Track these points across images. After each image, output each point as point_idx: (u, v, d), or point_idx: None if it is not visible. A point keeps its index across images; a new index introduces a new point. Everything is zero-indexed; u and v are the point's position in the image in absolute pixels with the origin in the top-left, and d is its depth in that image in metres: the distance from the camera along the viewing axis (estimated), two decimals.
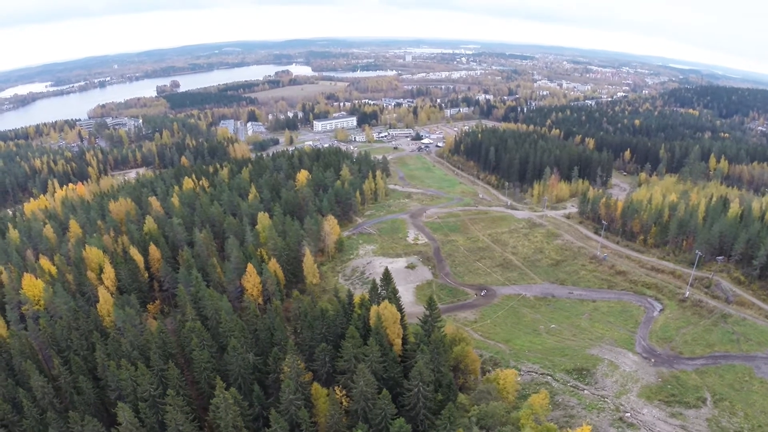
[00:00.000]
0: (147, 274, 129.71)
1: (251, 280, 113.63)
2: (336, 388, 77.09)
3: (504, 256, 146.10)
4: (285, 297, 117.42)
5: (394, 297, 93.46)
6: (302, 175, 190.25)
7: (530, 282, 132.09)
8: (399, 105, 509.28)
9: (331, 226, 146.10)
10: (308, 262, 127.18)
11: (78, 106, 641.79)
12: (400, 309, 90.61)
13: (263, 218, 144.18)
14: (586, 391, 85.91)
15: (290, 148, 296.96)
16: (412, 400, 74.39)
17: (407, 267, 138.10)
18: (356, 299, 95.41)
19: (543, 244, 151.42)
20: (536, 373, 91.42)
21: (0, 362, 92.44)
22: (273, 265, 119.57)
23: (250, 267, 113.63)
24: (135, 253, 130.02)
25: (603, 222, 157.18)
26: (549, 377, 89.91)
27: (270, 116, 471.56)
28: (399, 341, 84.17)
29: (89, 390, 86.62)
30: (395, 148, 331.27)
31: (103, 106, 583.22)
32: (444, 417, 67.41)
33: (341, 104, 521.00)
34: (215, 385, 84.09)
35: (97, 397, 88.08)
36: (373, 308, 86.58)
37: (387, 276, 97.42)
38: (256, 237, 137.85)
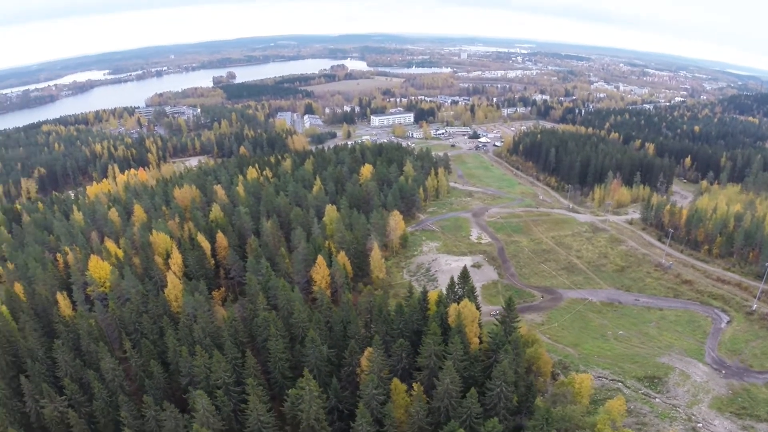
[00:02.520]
0: (213, 262, 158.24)
1: (320, 272, 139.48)
2: (414, 384, 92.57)
3: (568, 260, 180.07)
4: (351, 290, 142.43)
5: (472, 296, 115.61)
6: (366, 170, 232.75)
7: (596, 287, 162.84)
8: (455, 103, 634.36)
9: (396, 221, 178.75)
10: (376, 256, 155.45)
11: (135, 94, 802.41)
12: (478, 308, 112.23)
13: (331, 211, 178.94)
14: (657, 400, 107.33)
15: (349, 142, 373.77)
16: (493, 400, 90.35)
17: (473, 266, 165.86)
18: (432, 296, 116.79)
19: (607, 249, 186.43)
20: (606, 378, 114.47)
21: (67, 342, 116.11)
22: (342, 258, 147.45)
23: (320, 259, 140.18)
24: (202, 239, 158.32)
25: (667, 229, 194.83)
26: (620, 383, 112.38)
27: (327, 110, 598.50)
28: (476, 340, 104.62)
29: (160, 374, 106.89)
30: (453, 146, 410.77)
31: (161, 94, 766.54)
32: (539, 417, 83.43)
33: (397, 100, 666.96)
34: (288, 375, 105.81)
35: (166, 382, 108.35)
36: (453, 306, 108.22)
37: (465, 274, 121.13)
38: (323, 229, 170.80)
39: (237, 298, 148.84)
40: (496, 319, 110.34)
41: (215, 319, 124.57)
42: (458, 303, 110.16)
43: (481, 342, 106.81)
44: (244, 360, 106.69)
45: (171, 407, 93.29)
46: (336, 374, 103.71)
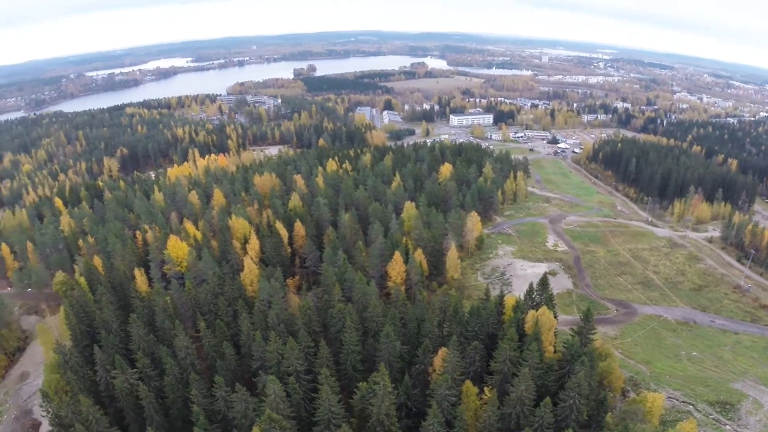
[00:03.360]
0: (290, 250, 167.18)
1: (396, 268, 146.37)
2: (486, 388, 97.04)
3: (645, 274, 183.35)
4: (426, 288, 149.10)
5: (550, 304, 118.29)
6: (446, 169, 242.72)
7: (671, 304, 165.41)
8: (535, 106, 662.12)
9: (473, 222, 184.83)
10: (452, 256, 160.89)
11: (217, 82, 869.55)
12: (555, 316, 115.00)
13: (410, 207, 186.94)
14: (728, 427, 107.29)
15: (427, 140, 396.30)
16: (565, 412, 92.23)
17: (548, 273, 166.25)
18: (509, 301, 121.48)
19: (685, 267, 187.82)
20: (677, 400, 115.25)
21: (142, 317, 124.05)
22: (419, 255, 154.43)
23: (397, 255, 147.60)
24: (280, 227, 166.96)
25: (748, 250, 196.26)
26: (691, 406, 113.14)
27: (406, 106, 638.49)
28: (551, 349, 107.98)
29: (231, 356, 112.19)
30: (531, 150, 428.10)
31: (242, 83, 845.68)
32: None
33: (477, 100, 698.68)
34: (359, 368, 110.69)
35: (236, 364, 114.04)
36: (531, 313, 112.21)
37: (544, 282, 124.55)
38: (400, 225, 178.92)
39: (311, 287, 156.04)
40: (572, 329, 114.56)
41: (289, 306, 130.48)
42: (536, 310, 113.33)
43: (554, 351, 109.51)
44: (317, 349, 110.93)
45: (242, 389, 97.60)
46: (407, 371, 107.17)
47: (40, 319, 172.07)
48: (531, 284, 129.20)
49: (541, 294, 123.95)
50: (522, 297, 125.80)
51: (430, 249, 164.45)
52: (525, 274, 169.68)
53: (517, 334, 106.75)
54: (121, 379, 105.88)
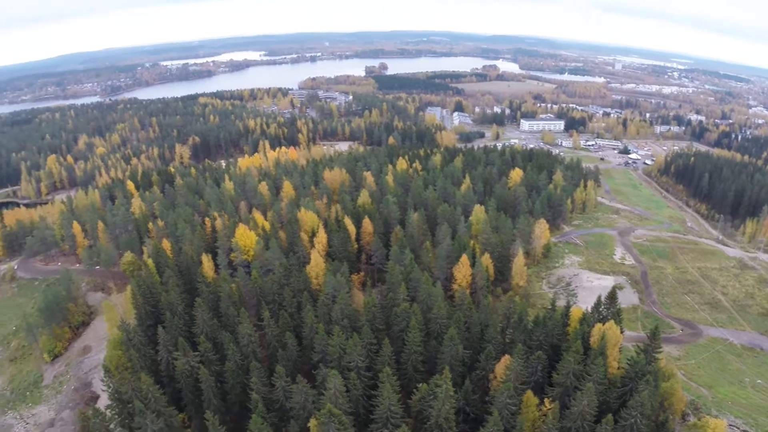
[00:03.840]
0: (356, 246, 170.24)
1: (463, 271, 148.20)
2: (546, 400, 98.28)
3: (713, 295, 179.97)
4: (490, 294, 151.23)
5: (618, 318, 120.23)
6: (516, 174, 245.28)
7: (738, 328, 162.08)
8: (607, 114, 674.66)
9: (541, 230, 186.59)
10: (519, 262, 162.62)
11: (288, 77, 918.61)
12: (621, 332, 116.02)
13: (479, 211, 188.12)
14: None
15: (497, 144, 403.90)
16: (625, 431, 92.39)
17: (615, 287, 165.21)
18: (575, 312, 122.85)
19: (754, 290, 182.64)
20: (738, 428, 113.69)
21: (207, 302, 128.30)
22: (486, 259, 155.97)
23: (464, 258, 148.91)
24: (349, 223, 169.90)
25: None
26: None
27: (476, 109, 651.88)
28: (615, 365, 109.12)
29: (293, 347, 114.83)
30: (601, 159, 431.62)
31: (314, 79, 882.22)
32: None
33: (548, 106, 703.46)
34: (419, 369, 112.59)
35: (297, 355, 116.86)
36: (597, 326, 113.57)
37: (613, 296, 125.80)
38: (468, 228, 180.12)
39: (375, 284, 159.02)
40: (638, 346, 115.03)
41: (352, 302, 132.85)
42: (603, 324, 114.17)
43: (617, 368, 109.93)
44: (380, 347, 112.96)
45: (303, 381, 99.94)
46: (468, 376, 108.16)
47: (106, 296, 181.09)
48: (599, 297, 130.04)
49: (608, 308, 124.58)
50: (588, 310, 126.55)
51: (497, 254, 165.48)
52: (591, 286, 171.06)
53: (582, 347, 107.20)
54: (183, 361, 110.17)
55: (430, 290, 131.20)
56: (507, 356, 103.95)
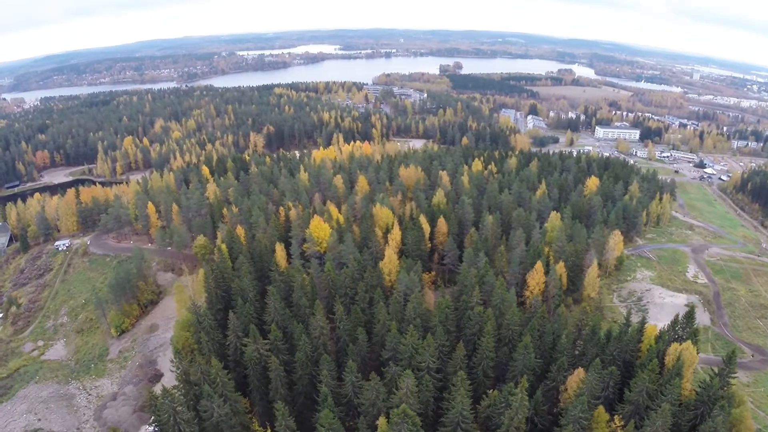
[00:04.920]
0: (430, 245, 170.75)
1: (536, 278, 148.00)
2: (616, 417, 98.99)
3: None
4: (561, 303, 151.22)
5: (694, 339, 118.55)
6: (592, 182, 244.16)
7: None
8: (684, 126, 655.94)
9: (615, 241, 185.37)
10: (592, 273, 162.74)
11: (363, 71, 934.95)
12: (697, 353, 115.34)
13: (555, 218, 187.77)
14: None
15: (572, 150, 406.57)
16: None
17: (686, 305, 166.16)
18: (650, 330, 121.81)
19: None
20: None
21: (279, 291, 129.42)
22: (560, 268, 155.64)
23: (538, 265, 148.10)
24: (423, 221, 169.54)
25: None
26: None
27: (551, 113, 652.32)
28: (688, 386, 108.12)
29: (363, 343, 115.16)
30: (676, 172, 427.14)
31: (388, 75, 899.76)
32: None
33: (623, 114, 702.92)
34: (489, 375, 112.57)
35: (367, 351, 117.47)
36: (674, 346, 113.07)
37: (691, 315, 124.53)
38: (543, 235, 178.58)
39: (445, 284, 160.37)
40: (712, 369, 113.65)
41: (424, 301, 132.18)
42: (679, 344, 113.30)
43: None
44: (451, 349, 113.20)
45: (376, 379, 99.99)
46: (538, 386, 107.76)
47: (176, 277, 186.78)
48: (677, 316, 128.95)
49: (684, 328, 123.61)
50: (664, 327, 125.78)
51: (571, 263, 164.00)
52: (663, 302, 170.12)
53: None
54: (252, 348, 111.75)
55: (504, 295, 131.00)
56: (581, 369, 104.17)
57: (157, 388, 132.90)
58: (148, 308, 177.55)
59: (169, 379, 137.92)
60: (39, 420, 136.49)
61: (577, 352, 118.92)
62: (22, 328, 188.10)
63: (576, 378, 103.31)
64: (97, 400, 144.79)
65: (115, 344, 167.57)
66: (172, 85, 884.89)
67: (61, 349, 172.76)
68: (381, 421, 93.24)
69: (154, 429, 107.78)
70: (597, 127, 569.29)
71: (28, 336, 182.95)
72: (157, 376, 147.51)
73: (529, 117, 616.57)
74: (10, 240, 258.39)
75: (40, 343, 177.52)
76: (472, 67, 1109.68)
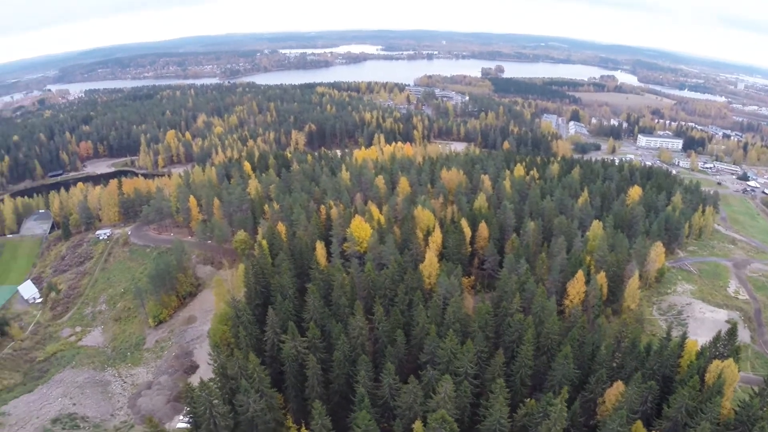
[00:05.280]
0: (470, 249, 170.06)
1: (577, 287, 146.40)
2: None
3: None
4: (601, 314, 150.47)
5: (736, 357, 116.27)
6: (635, 192, 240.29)
7: None
8: (727, 136, 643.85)
9: (657, 253, 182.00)
10: (633, 285, 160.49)
11: (404, 72, 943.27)
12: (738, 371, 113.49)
13: (597, 227, 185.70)
14: None
15: (614, 158, 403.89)
16: None
17: (726, 321, 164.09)
18: (691, 345, 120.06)
19: None
20: None
21: (319, 289, 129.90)
22: (601, 278, 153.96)
23: (580, 274, 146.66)
24: (465, 225, 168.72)
25: None
26: None
27: (593, 120, 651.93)
28: (728, 405, 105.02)
29: (402, 345, 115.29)
30: (719, 184, 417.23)
31: (430, 76, 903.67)
32: None
33: (666, 122, 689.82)
34: (526, 383, 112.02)
35: (404, 353, 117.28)
36: (715, 363, 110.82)
37: (733, 333, 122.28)
38: (584, 243, 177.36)
39: (483, 289, 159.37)
40: (752, 389, 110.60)
41: (463, 305, 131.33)
42: (721, 361, 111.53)
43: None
44: (490, 355, 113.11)
45: (415, 382, 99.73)
46: (576, 397, 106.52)
47: (215, 270, 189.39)
48: (719, 332, 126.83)
49: (726, 345, 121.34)
50: (705, 343, 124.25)
51: (611, 274, 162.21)
52: (703, 317, 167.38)
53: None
54: (290, 345, 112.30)
55: (544, 303, 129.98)
56: (620, 382, 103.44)
57: (193, 380, 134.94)
58: (186, 300, 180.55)
59: (205, 371, 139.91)
60: (74, 404, 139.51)
61: (615, 365, 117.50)
62: (61, 314, 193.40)
63: (615, 391, 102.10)
64: (131, 388, 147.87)
65: (151, 334, 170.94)
66: (215, 81, 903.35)
67: (98, 336, 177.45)
68: (417, 425, 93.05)
69: (188, 420, 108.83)
70: (639, 135, 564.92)
71: (66, 321, 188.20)
72: (193, 368, 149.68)
73: (571, 123, 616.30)
74: (52, 227, 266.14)
75: (78, 329, 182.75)
76: (513, 70, 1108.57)
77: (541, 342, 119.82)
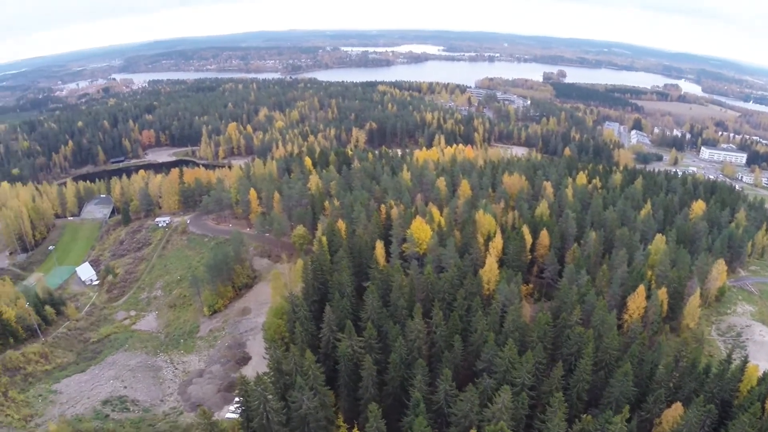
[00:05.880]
0: (530, 256, 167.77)
1: (637, 302, 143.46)
2: None
3: None
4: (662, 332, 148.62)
5: None
6: (698, 207, 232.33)
7: None
8: None
9: (719, 271, 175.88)
10: (693, 303, 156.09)
11: (465, 74, 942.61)
12: None
13: (660, 241, 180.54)
14: None
15: (675, 170, 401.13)
16: None
17: None
18: (752, 369, 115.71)
19: None
20: None
21: (377, 289, 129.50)
22: (662, 294, 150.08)
23: (641, 289, 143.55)
24: (526, 232, 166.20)
25: None
26: None
27: (655, 129, 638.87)
28: None
29: (459, 351, 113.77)
30: None
31: (491, 79, 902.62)
32: None
33: (730, 135, 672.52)
34: (583, 399, 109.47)
35: (461, 359, 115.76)
36: None
37: None
38: (646, 257, 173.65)
39: (541, 298, 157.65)
40: None
41: (521, 314, 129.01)
42: None
43: None
44: (548, 367, 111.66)
45: (473, 391, 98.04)
46: (631, 416, 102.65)
47: (272, 263, 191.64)
48: None
49: None
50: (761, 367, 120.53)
51: (672, 290, 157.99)
52: (763, 341, 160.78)
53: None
54: (347, 344, 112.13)
55: (605, 317, 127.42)
56: (679, 404, 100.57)
57: (245, 372, 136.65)
58: (242, 291, 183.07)
59: (257, 363, 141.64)
60: (125, 387, 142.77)
61: (671, 384, 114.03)
62: (117, 297, 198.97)
63: (673, 413, 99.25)
64: (182, 375, 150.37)
65: (206, 323, 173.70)
66: (277, 75, 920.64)
67: (152, 321, 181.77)
68: None
69: (238, 411, 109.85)
70: (702, 148, 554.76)
71: (121, 305, 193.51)
72: (245, 359, 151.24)
73: (633, 132, 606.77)
74: (112, 212, 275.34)
75: (133, 312, 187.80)
76: (575, 76, 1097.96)
77: (599, 356, 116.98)
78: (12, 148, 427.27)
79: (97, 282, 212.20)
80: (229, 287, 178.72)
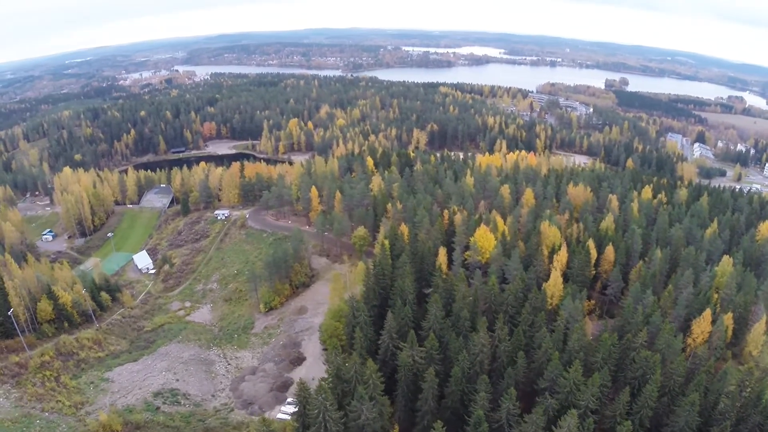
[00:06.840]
0: (594, 272, 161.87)
1: (702, 327, 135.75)
2: None
3: None
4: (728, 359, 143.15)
5: None
6: (765, 227, 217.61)
7: None
8: None
9: None
10: (759, 329, 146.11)
11: (526, 78, 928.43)
12: None
13: (727, 263, 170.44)
14: None
15: (740, 186, 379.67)
16: None
17: None
18: None
19: None
20: None
21: (439, 297, 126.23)
22: (728, 319, 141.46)
23: (707, 313, 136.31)
24: (592, 246, 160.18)
25: None
26: None
27: (719, 143, 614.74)
28: None
29: (522, 368, 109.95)
30: None
31: (553, 84, 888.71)
32: None
33: None
34: (646, 425, 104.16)
35: (522, 376, 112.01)
36: None
37: None
38: (711, 279, 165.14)
39: (603, 315, 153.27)
40: None
41: (585, 332, 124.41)
42: None
43: None
44: (613, 391, 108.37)
45: (540, 413, 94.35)
46: None
47: (330, 263, 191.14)
48: None
49: None
50: None
51: (737, 315, 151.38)
52: None
53: None
54: (408, 353, 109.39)
55: (671, 341, 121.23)
56: None
57: (299, 372, 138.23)
58: (299, 290, 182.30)
59: (311, 365, 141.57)
60: (177, 380, 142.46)
61: (734, 416, 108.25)
62: (172, 287, 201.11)
63: None
64: (235, 371, 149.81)
65: (261, 319, 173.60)
66: (338, 73, 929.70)
67: (207, 314, 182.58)
68: None
69: (291, 414, 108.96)
70: (767, 164, 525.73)
71: (176, 295, 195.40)
72: (300, 359, 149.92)
73: (696, 144, 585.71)
74: (172, 202, 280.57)
75: (188, 304, 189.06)
76: (638, 84, 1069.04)
77: (663, 382, 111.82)
78: (75, 134, 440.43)
79: (153, 271, 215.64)
80: (286, 285, 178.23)
